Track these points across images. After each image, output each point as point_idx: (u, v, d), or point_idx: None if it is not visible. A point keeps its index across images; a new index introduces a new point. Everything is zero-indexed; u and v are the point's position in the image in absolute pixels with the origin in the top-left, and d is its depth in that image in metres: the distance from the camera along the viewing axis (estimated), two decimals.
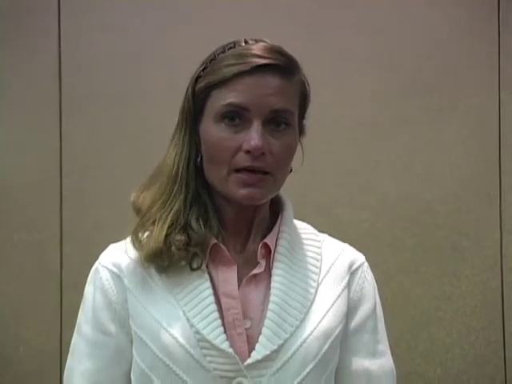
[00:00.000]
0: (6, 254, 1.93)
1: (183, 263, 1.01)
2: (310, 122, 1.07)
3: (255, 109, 0.97)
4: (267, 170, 0.99)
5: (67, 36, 1.96)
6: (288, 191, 1.10)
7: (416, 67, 1.90)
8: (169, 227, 1.02)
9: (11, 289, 1.93)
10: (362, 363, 1.08)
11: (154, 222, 1.02)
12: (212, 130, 1.00)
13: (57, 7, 1.97)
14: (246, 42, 1.01)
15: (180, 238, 1.01)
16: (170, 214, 1.02)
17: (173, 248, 1.00)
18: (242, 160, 0.98)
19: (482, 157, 1.91)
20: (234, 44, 1.02)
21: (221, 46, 1.03)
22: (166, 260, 1.00)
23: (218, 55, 1.02)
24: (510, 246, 1.91)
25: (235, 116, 0.97)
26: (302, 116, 1.05)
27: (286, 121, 0.99)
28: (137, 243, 1.03)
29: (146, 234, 1.03)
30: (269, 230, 1.08)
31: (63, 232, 1.93)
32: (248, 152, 0.96)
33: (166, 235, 1.01)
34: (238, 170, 0.98)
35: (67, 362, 1.08)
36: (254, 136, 0.96)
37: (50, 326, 1.86)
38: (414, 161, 1.89)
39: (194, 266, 1.01)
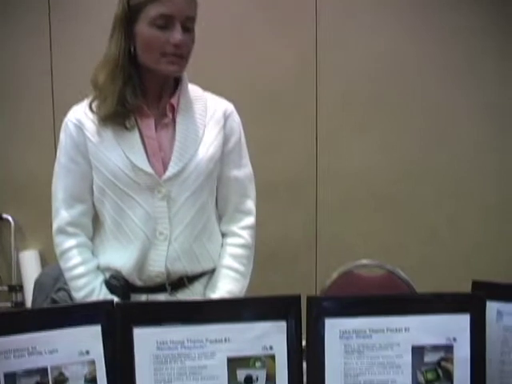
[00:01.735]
0: None
1: (122, 124, 1.50)
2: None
3: (177, 16, 1.45)
4: (185, 55, 1.49)
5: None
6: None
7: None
8: (116, 100, 1.48)
9: None
10: (233, 172, 1.62)
11: (105, 96, 1.49)
12: (147, 31, 1.46)
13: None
14: None
15: (121, 108, 1.49)
16: (116, 91, 1.48)
17: (116, 113, 1.49)
18: (170, 49, 1.45)
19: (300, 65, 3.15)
20: None
21: None
22: (115, 120, 1.50)
23: None
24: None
25: (164, 20, 1.44)
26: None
27: (192, 24, 1.49)
28: (95, 108, 1.51)
29: (100, 103, 1.51)
30: (173, 93, 1.56)
31: None
32: (175, 44, 1.45)
33: (114, 105, 1.48)
34: (164, 55, 1.46)
35: (52, 181, 1.57)
36: (177, 34, 1.45)
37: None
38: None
39: (127, 125, 1.51)
